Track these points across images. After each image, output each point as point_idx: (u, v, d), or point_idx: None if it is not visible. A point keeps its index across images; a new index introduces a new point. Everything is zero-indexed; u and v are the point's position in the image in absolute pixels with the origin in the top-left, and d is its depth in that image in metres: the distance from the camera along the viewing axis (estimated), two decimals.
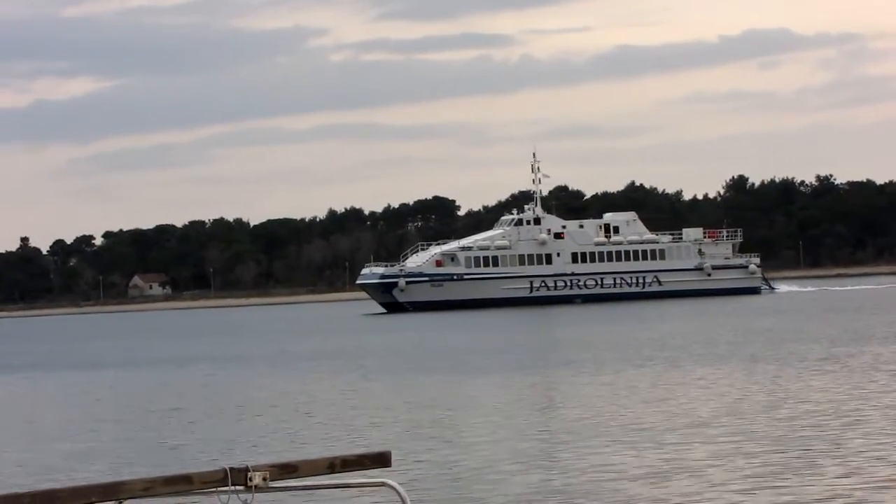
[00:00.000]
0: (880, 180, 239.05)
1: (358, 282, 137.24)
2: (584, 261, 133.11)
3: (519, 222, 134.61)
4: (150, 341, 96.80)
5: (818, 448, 24.34)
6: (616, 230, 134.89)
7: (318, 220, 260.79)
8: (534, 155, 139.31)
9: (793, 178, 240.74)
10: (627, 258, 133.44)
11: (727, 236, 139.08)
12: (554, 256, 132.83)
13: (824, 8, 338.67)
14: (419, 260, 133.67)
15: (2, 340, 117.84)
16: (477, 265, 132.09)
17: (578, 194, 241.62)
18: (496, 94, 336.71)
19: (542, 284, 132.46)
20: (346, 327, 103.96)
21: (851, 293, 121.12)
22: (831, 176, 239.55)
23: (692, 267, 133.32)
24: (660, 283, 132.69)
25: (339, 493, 18.82)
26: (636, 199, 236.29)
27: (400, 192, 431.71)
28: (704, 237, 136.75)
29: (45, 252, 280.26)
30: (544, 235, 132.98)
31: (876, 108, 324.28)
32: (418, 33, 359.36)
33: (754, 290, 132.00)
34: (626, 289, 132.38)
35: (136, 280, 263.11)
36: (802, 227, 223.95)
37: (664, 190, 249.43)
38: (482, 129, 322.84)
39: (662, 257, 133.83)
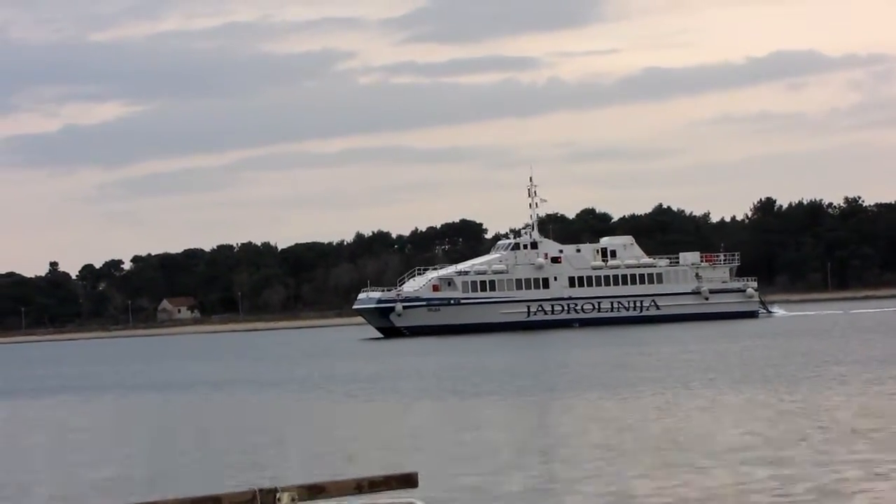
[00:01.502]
0: None
1: (355, 307, 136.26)
2: (581, 285, 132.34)
3: (516, 246, 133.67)
4: (182, 364, 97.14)
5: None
6: (613, 254, 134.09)
7: (345, 243, 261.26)
8: (531, 179, 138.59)
9: (821, 200, 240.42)
10: (625, 282, 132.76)
11: (724, 260, 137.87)
12: (551, 280, 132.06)
13: (852, 29, 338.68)
14: (416, 284, 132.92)
15: (33, 365, 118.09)
16: (474, 290, 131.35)
17: (606, 217, 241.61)
18: (523, 117, 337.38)
19: (540, 309, 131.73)
20: (365, 351, 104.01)
21: (858, 315, 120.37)
22: (859, 198, 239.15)
23: (689, 291, 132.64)
24: (657, 307, 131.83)
25: None
26: (663, 221, 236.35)
27: (427, 215, 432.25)
28: (702, 261, 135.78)
29: (74, 276, 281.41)
30: (541, 260, 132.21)
31: None
32: (445, 56, 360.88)
33: (752, 314, 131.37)
34: (623, 313, 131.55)
35: (165, 304, 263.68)
36: (830, 249, 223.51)
37: (691, 212, 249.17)
38: (509, 151, 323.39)
39: (660, 281, 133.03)
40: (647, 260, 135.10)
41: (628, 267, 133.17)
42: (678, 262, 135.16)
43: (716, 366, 57.81)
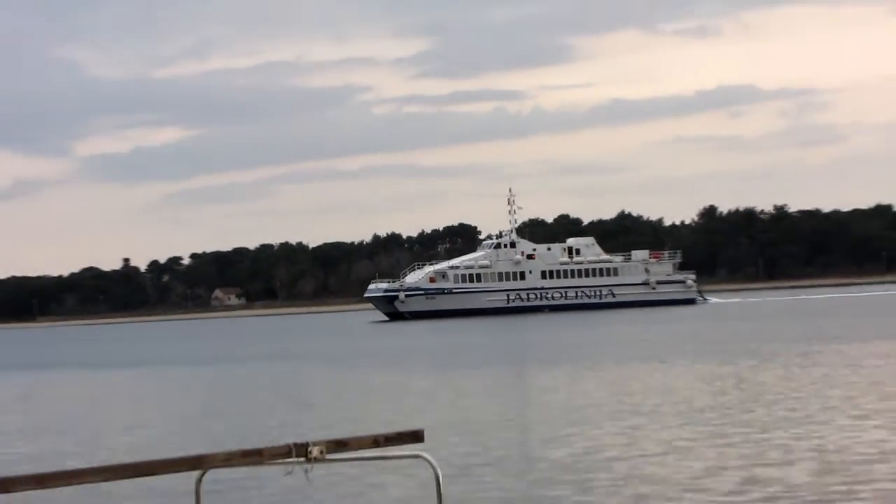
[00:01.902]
0: (826, 209, 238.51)
1: (365, 295, 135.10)
2: (551, 277, 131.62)
3: (498, 246, 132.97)
4: (238, 342, 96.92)
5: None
6: (578, 252, 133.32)
7: (364, 243, 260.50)
8: (510, 190, 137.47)
9: (754, 207, 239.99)
10: (587, 275, 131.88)
11: (669, 257, 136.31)
12: (527, 273, 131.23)
13: (783, 67, 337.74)
14: (416, 277, 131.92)
15: (114, 343, 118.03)
16: (464, 281, 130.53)
17: (578, 221, 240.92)
18: (511, 139, 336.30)
19: (517, 297, 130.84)
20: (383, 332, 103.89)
21: (773, 303, 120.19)
22: (786, 205, 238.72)
23: (640, 282, 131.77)
24: (613, 295, 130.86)
25: (382, 464, 19.35)
26: (626, 225, 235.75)
27: (431, 219, 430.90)
28: (650, 258, 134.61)
29: (143, 270, 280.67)
30: (518, 256, 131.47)
31: (823, 150, 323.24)
32: (447, 89, 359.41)
33: (691, 301, 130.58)
34: (585, 300, 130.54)
35: (217, 293, 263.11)
36: (762, 248, 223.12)
37: (648, 217, 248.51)
38: (499, 167, 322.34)
39: (616, 274, 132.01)
40: (605, 257, 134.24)
41: (590, 262, 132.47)
42: (630, 259, 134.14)
43: (664, 343, 57.56)
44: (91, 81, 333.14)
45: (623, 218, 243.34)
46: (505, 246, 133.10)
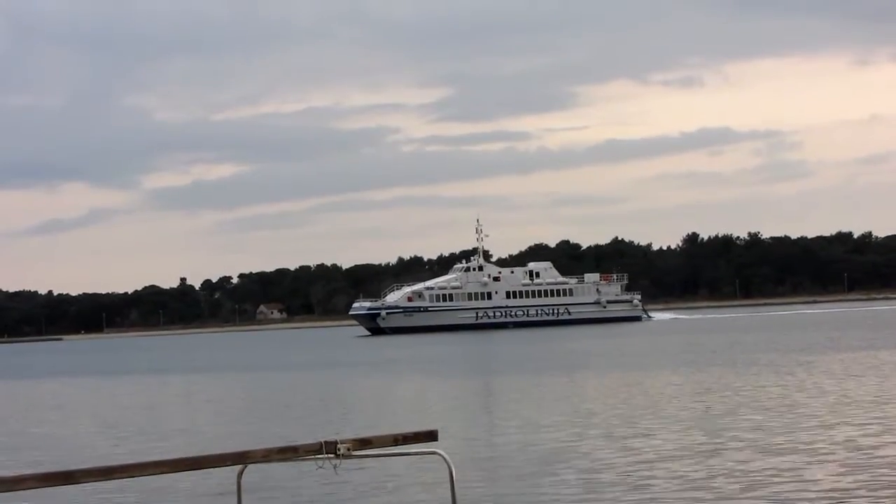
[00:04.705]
0: (794, 235, 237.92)
1: (350, 313, 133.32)
2: (515, 297, 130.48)
3: (467, 269, 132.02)
4: (279, 352, 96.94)
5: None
6: (538, 275, 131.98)
7: (390, 264, 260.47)
8: (477, 220, 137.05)
9: (731, 234, 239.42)
10: (546, 295, 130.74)
11: (617, 279, 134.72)
12: (493, 294, 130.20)
13: (755, 112, 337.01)
14: (395, 297, 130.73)
15: (170, 351, 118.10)
16: (438, 300, 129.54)
17: (577, 246, 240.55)
18: (520, 175, 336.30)
19: (485, 314, 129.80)
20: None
21: (718, 320, 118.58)
22: (759, 232, 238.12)
23: (592, 301, 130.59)
24: (569, 313, 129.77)
25: (401, 460, 19.49)
26: (619, 249, 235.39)
27: (449, 244, 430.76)
28: (601, 280, 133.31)
29: (197, 288, 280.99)
30: (486, 279, 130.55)
31: (791, 184, 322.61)
32: (464, 131, 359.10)
33: (637, 318, 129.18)
34: (544, 317, 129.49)
35: (262, 308, 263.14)
36: (738, 270, 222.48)
37: (639, 242, 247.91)
38: (508, 199, 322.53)
39: (571, 294, 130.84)
40: (561, 279, 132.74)
41: (548, 284, 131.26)
42: (584, 281, 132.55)
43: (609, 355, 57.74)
44: (156, 123, 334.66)
45: (617, 243, 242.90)
46: (474, 269, 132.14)
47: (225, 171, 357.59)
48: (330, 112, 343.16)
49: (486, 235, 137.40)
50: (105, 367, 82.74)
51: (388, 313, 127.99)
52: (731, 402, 30.22)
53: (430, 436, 6.42)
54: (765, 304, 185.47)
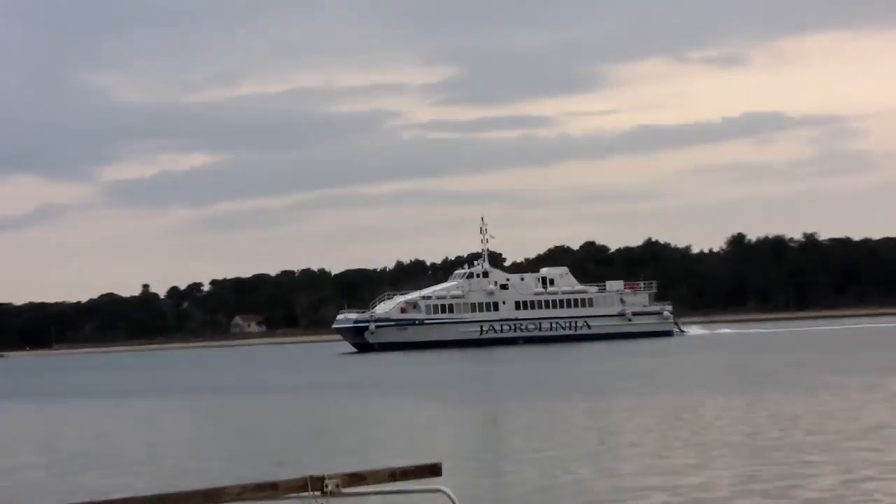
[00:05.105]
0: (857, 237, 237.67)
1: (333, 326, 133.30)
2: (525, 308, 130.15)
3: (470, 275, 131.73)
4: (251, 371, 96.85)
5: None
6: (552, 282, 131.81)
7: (387, 269, 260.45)
8: (482, 219, 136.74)
9: (783, 235, 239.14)
10: (562, 306, 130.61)
11: (644, 287, 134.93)
12: (500, 304, 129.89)
13: (812, 94, 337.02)
14: (386, 307, 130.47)
15: (133, 372, 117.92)
16: (436, 311, 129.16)
17: (604, 248, 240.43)
18: (538, 166, 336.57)
19: (490, 328, 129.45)
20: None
21: (765, 335, 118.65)
22: (816, 233, 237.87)
23: (616, 313, 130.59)
24: (589, 326, 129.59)
25: (400, 499, 18.92)
26: (653, 252, 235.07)
27: (455, 246, 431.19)
28: (625, 288, 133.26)
29: (162, 296, 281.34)
30: (492, 286, 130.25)
31: (853, 178, 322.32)
32: (474, 116, 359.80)
33: (668, 333, 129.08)
34: (560, 332, 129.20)
35: (237, 320, 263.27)
36: (792, 276, 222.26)
37: (676, 245, 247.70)
38: (526, 194, 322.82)
39: (591, 305, 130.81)
40: (579, 287, 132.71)
41: (564, 293, 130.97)
42: (605, 289, 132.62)
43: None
44: (116, 106, 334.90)
45: (650, 245, 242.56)
46: (478, 275, 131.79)
47: (196, 160, 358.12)
48: (318, 94, 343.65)
49: (492, 236, 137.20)
50: (52, 390, 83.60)
51: (377, 326, 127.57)
52: (791, 434, 29.98)
53: (433, 470, 6.52)
54: (823, 317, 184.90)
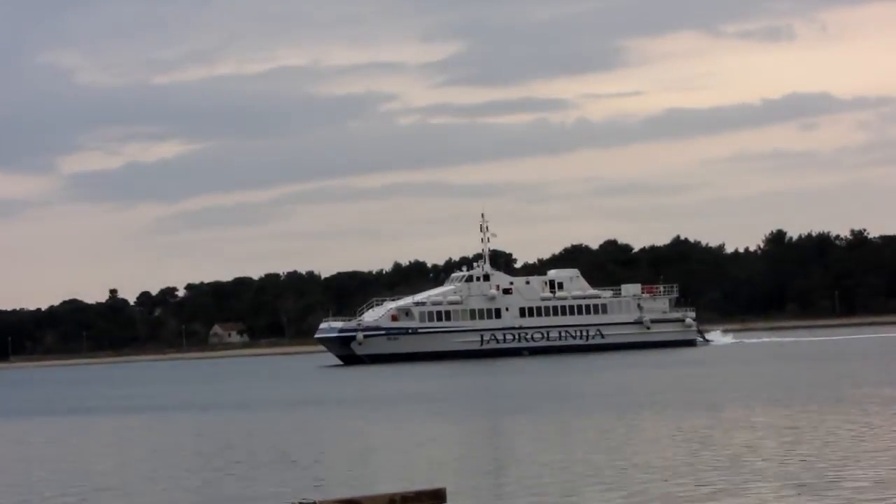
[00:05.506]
0: None
1: (316, 336, 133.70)
2: (531, 315, 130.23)
3: (469, 279, 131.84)
4: (233, 385, 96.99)
5: None
6: (560, 286, 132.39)
7: (384, 272, 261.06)
8: (482, 216, 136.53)
9: (828, 233, 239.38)
10: (572, 312, 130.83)
11: (664, 291, 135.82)
12: (503, 311, 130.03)
13: (862, 73, 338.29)
14: (375, 315, 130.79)
15: (99, 386, 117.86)
16: (430, 319, 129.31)
17: (627, 248, 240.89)
18: (553, 155, 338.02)
19: (492, 338, 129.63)
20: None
21: (804, 344, 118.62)
22: (865, 230, 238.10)
23: (632, 321, 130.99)
24: (602, 336, 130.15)
25: None
26: (682, 252, 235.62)
27: (460, 246, 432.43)
28: (643, 292, 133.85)
29: (132, 303, 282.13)
30: (493, 291, 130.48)
31: None
32: (480, 98, 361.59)
33: (690, 343, 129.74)
34: (570, 341, 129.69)
35: (216, 329, 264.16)
36: (837, 279, 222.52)
37: (707, 243, 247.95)
38: (538, 187, 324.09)
39: (605, 311, 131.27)
40: (592, 291, 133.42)
41: (575, 298, 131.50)
42: (621, 294, 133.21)
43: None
44: (79, 89, 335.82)
45: (678, 244, 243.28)
46: (478, 279, 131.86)
47: (168, 150, 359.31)
48: (305, 73, 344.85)
49: (493, 235, 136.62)
50: (9, 406, 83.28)
51: (365, 336, 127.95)
52: (836, 453, 30.42)
53: (437, 496, 6.63)
54: (871, 324, 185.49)
